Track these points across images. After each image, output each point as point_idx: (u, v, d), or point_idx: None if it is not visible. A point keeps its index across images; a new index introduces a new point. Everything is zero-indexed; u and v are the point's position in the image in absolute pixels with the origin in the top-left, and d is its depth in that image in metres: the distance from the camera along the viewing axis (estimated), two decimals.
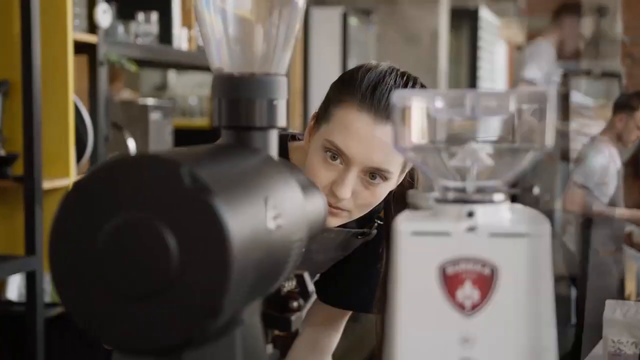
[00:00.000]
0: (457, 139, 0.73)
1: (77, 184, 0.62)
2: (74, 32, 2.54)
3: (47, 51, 2.43)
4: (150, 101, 3.14)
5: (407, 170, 1.33)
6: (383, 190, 1.27)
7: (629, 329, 1.78)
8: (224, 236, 0.60)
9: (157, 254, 0.60)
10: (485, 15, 7.44)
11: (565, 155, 4.84)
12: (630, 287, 4.22)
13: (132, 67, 2.77)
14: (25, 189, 2.33)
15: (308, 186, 0.84)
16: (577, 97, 4.33)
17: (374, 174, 1.25)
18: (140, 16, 3.04)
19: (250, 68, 0.82)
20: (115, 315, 0.61)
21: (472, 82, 7.38)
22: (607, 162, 4.34)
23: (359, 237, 1.41)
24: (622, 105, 4.40)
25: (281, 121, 0.82)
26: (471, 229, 0.67)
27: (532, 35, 9.92)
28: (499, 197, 0.70)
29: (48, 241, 0.64)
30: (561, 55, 4.55)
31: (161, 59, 3.18)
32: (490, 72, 8.09)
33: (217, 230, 0.60)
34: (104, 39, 2.69)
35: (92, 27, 2.66)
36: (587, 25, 4.56)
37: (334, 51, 4.81)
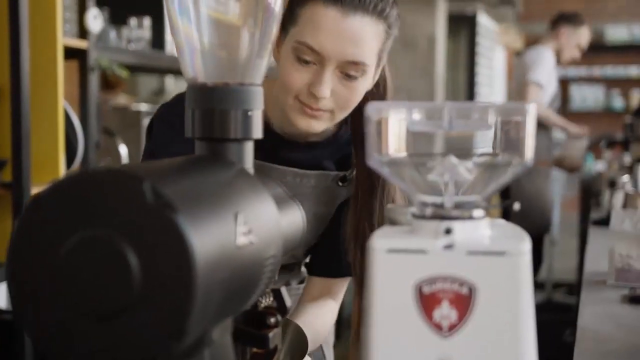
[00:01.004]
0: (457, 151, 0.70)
1: (37, 198, 0.60)
2: (64, 38, 2.52)
3: (36, 56, 2.40)
4: (143, 107, 3.12)
5: (382, 65, 1.30)
6: (361, 86, 1.25)
7: None
8: (188, 254, 0.57)
9: (119, 272, 0.57)
10: (484, 21, 7.42)
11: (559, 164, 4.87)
12: None
13: (123, 73, 2.75)
14: (14, 196, 2.30)
15: (284, 199, 0.82)
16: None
17: (349, 72, 1.22)
18: (133, 21, 3.02)
19: (225, 78, 0.79)
20: (76, 335, 0.59)
21: (470, 87, 7.36)
22: (553, 65, 4.46)
23: (340, 183, 1.38)
24: (567, 19, 4.47)
25: (257, 133, 0.80)
26: (448, 247, 0.65)
27: (530, 41, 9.92)
28: (478, 212, 0.68)
29: (6, 256, 0.61)
30: (559, 62, 4.58)
31: (153, 65, 3.15)
32: (489, 78, 8.07)
33: (181, 248, 0.57)
34: (95, 45, 2.67)
35: (83, 33, 2.63)
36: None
37: None
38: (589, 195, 4.73)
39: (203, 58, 0.79)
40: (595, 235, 2.67)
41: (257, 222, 0.69)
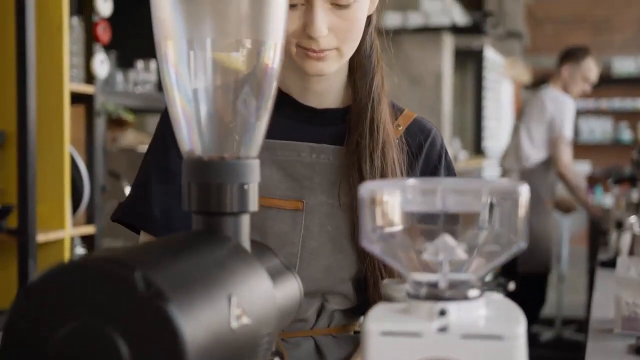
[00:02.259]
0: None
1: (28, 287, 0.60)
2: (71, 83, 2.54)
3: (43, 102, 2.42)
4: None
5: None
6: (358, 12, 1.16)
7: None
8: (179, 344, 0.57)
9: None
10: (490, 55, 7.45)
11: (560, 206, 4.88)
12: None
13: (129, 117, 2.76)
14: (19, 243, 2.31)
15: (280, 271, 0.82)
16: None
17: (339, 1, 1.13)
18: (140, 64, 3.04)
19: (222, 151, 0.80)
20: None
21: (477, 121, 7.37)
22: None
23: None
24: (568, 56, 4.46)
25: (253, 206, 0.79)
26: (443, 329, 0.65)
27: (537, 74, 9.94)
28: (473, 292, 0.67)
29: None
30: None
31: (160, 107, 3.17)
32: (496, 111, 8.08)
33: (172, 338, 0.57)
34: (101, 89, 2.68)
35: (90, 77, 2.65)
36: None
37: None
38: (597, 231, 4.71)
39: (199, 131, 0.79)
40: (602, 279, 2.65)
41: (252, 302, 0.69)
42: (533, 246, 4.30)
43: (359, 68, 1.26)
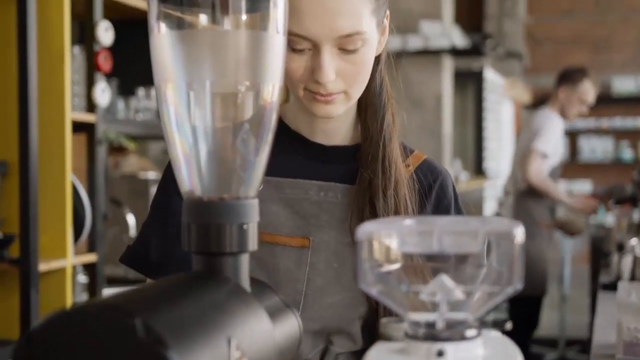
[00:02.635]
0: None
1: (30, 334, 0.60)
2: (73, 112, 2.55)
3: (45, 131, 2.44)
4: (151, 175, 3.14)
5: (385, 27, 1.22)
6: (366, 56, 1.15)
7: None
8: None
9: None
10: (490, 75, 7.48)
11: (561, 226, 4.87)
12: None
13: (131, 145, 2.78)
14: (21, 273, 2.31)
15: (280, 309, 0.82)
16: None
17: (347, 47, 1.12)
18: (141, 92, 3.06)
19: (221, 191, 0.80)
20: None
21: (478, 142, 7.39)
22: (561, 134, 4.47)
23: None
24: (565, 78, 4.45)
25: (252, 245, 0.80)
26: None
27: (537, 94, 9.98)
28: (471, 332, 0.68)
29: None
30: (566, 118, 4.60)
31: (160, 134, 3.19)
32: (497, 132, 8.10)
33: None
34: (102, 118, 2.70)
35: (91, 106, 2.67)
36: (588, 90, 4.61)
37: None
38: (598, 252, 4.70)
39: (199, 172, 0.80)
40: (604, 302, 2.65)
41: (251, 344, 0.69)
42: (528, 268, 4.26)
43: (369, 106, 1.26)
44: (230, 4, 0.78)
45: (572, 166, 10.20)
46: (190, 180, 0.81)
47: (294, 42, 1.13)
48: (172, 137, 0.80)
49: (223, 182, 0.81)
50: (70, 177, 2.50)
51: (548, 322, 6.47)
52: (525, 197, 4.38)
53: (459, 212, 1.29)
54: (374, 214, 1.19)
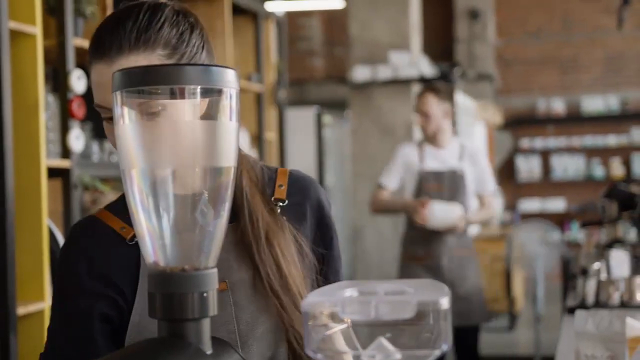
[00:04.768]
0: None
1: None
2: (48, 158, 2.62)
3: (21, 178, 2.50)
4: None
5: None
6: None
7: (604, 342, 1.69)
8: None
9: None
10: (461, 99, 7.61)
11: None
12: None
13: (105, 189, 2.85)
14: (0, 317, 2.37)
15: None
16: None
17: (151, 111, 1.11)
18: None
19: (183, 262, 0.89)
20: None
21: None
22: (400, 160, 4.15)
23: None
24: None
25: (213, 310, 0.88)
26: None
27: (509, 115, 10.14)
28: None
29: None
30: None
31: None
32: None
33: None
34: (77, 163, 2.77)
35: (66, 152, 2.74)
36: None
37: (309, 149, 4.92)
38: (568, 269, 4.77)
39: (162, 246, 0.88)
40: (568, 327, 2.74)
41: None
42: (466, 300, 4.17)
43: None
44: (186, 92, 0.87)
45: (545, 185, 10.36)
46: (154, 252, 0.89)
47: (103, 112, 1.19)
48: (137, 215, 0.89)
49: (184, 254, 0.89)
50: (46, 222, 2.57)
51: (523, 341, 6.57)
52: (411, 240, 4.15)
53: (331, 220, 1.36)
54: (254, 266, 1.25)
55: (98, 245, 1.27)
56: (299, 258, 1.28)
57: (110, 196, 3.81)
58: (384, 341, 0.77)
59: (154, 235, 0.88)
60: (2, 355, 2.36)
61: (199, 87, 0.87)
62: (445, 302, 0.75)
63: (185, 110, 0.88)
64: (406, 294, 0.78)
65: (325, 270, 1.35)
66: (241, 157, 1.29)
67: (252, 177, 1.30)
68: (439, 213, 3.88)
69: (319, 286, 1.30)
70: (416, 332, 0.77)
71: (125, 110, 0.88)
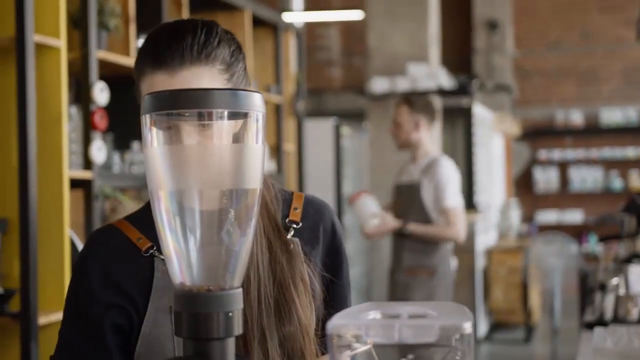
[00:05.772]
0: None
1: None
2: (70, 170, 2.65)
3: (43, 189, 2.53)
4: None
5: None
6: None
7: (622, 358, 1.70)
8: None
9: None
10: (479, 111, 7.61)
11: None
12: None
13: (126, 200, 2.88)
14: (22, 327, 2.40)
15: None
16: None
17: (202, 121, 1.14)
18: (136, 145, 3.17)
19: (209, 282, 0.91)
20: None
21: (469, 176, 7.49)
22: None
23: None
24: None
25: (238, 329, 0.90)
26: None
27: (527, 126, 10.12)
28: None
29: None
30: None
31: None
32: (487, 165, 8.21)
33: None
34: (98, 174, 2.80)
35: (88, 163, 2.77)
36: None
37: (327, 160, 4.93)
38: (586, 284, 4.75)
39: (189, 266, 0.90)
40: (586, 343, 2.73)
41: None
42: None
43: None
44: (214, 115, 0.89)
45: (562, 196, 10.32)
46: (181, 272, 0.91)
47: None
48: (165, 235, 0.91)
49: (210, 273, 0.91)
50: (68, 233, 2.60)
51: (539, 353, 6.54)
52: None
53: (342, 246, 1.36)
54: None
55: (113, 254, 1.29)
56: (304, 282, 1.28)
57: (128, 205, 3.84)
58: None
59: (180, 255, 0.90)
60: None
61: (227, 110, 0.89)
62: (468, 327, 0.76)
63: (214, 134, 0.89)
64: (429, 317, 0.79)
65: (332, 296, 1.35)
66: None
67: (266, 198, 1.31)
68: (360, 206, 3.84)
69: (322, 312, 1.31)
70: (439, 356, 0.78)
71: (154, 132, 0.90)
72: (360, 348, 0.80)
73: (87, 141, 2.76)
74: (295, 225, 1.32)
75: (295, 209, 1.34)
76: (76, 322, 1.28)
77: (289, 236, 1.30)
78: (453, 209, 3.87)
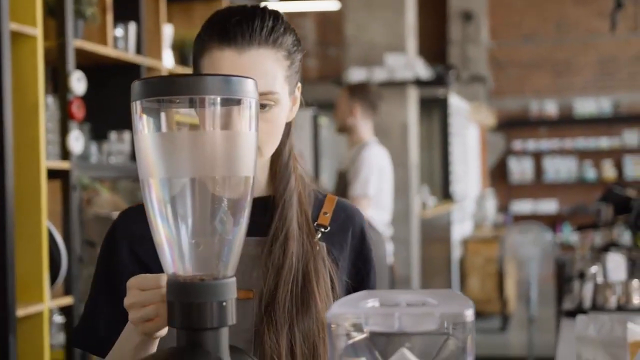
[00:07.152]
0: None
1: None
2: (48, 160, 2.61)
3: (20, 180, 2.49)
4: None
5: (298, 95, 1.29)
6: (278, 116, 1.23)
7: (605, 346, 1.70)
8: None
9: None
10: (455, 101, 7.63)
11: None
12: None
13: (104, 191, 2.84)
14: (0, 319, 2.36)
15: None
16: None
17: (261, 102, 1.16)
18: (113, 135, 3.13)
19: (201, 271, 0.89)
20: None
21: (445, 166, 7.52)
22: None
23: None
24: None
25: (231, 319, 0.89)
26: None
27: (502, 116, 10.17)
28: None
29: None
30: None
31: (134, 176, 3.26)
32: (463, 155, 8.25)
33: None
34: (76, 164, 2.76)
35: (65, 153, 2.73)
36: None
37: (305, 150, 4.91)
38: (563, 273, 4.77)
39: (181, 256, 0.89)
40: (567, 329, 2.75)
41: None
42: None
43: (277, 173, 1.31)
44: (206, 102, 0.87)
45: (537, 186, 10.38)
46: (173, 262, 0.89)
47: None
48: (156, 225, 0.89)
49: (203, 262, 0.89)
50: (46, 224, 2.56)
51: (515, 342, 6.59)
52: None
53: (371, 253, 1.36)
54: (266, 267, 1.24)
55: (142, 231, 1.26)
56: (328, 286, 1.27)
57: (104, 196, 3.80)
58: (406, 351, 0.77)
59: (172, 244, 0.88)
60: (2, 356, 2.35)
61: (219, 97, 0.87)
62: (469, 314, 0.75)
63: (205, 120, 0.88)
64: (428, 305, 0.78)
65: None
66: (297, 177, 1.31)
67: (302, 198, 1.30)
68: None
69: None
70: (439, 344, 0.77)
71: (145, 119, 0.88)
72: (359, 337, 0.79)
73: (64, 131, 2.72)
74: (322, 229, 1.31)
75: (325, 213, 1.34)
76: (101, 294, 1.27)
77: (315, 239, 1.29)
78: (355, 198, 3.78)
